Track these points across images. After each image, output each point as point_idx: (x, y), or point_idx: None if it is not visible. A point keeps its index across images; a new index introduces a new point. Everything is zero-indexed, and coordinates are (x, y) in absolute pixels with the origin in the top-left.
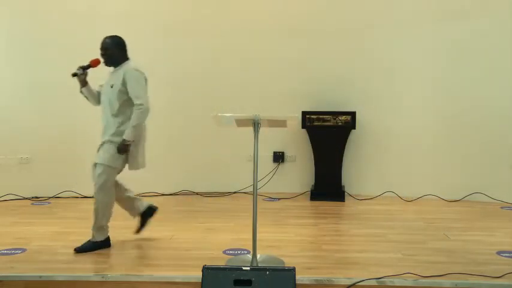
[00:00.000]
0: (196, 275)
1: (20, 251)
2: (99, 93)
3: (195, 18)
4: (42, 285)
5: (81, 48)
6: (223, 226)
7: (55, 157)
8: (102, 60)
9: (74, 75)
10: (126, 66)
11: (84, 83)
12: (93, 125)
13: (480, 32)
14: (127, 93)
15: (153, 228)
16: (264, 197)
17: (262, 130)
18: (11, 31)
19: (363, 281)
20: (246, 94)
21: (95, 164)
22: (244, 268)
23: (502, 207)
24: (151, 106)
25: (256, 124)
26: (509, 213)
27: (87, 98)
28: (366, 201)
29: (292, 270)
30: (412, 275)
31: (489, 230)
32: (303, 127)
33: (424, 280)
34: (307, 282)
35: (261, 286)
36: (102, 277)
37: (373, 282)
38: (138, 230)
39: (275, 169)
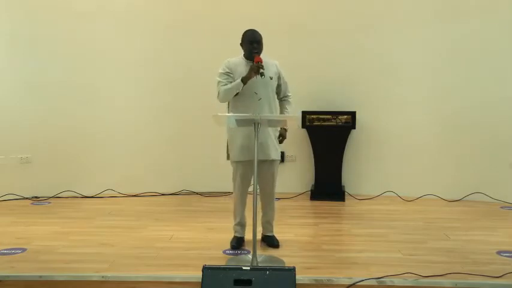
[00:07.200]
0: (196, 275)
1: (20, 251)
2: None
3: (196, 18)
4: (42, 285)
5: (81, 48)
6: (223, 226)
7: (55, 157)
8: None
9: (262, 74)
10: (269, 59)
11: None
12: (93, 125)
13: (480, 32)
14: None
15: (153, 228)
16: None
17: None
18: (11, 31)
19: (362, 280)
20: None
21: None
22: (244, 268)
23: (502, 207)
24: (151, 106)
25: (256, 124)
26: (509, 213)
27: (237, 93)
28: (366, 201)
29: (292, 270)
30: (412, 275)
31: (489, 230)
32: (303, 127)
33: (424, 280)
34: (307, 282)
35: (261, 286)
36: (102, 277)
37: (373, 282)
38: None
39: None
